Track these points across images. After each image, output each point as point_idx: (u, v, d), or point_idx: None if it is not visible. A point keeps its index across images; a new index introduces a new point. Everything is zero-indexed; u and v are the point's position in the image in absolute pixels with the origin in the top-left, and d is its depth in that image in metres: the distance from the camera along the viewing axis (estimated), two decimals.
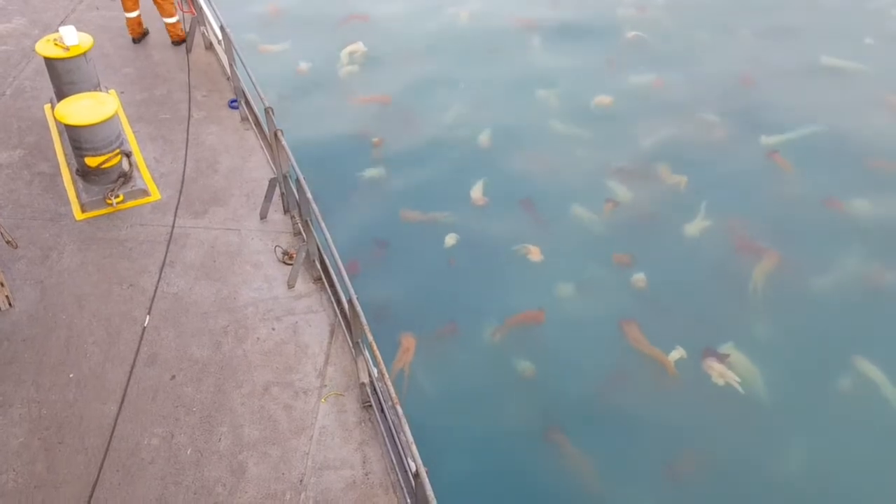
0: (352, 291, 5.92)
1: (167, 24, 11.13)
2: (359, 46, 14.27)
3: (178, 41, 11.26)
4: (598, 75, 13.63)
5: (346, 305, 6.58)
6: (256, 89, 8.24)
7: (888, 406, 8.35)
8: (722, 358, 8.70)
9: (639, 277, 9.64)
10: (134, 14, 11.23)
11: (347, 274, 6.02)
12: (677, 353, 8.69)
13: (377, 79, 13.54)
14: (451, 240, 10.07)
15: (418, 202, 10.72)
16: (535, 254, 9.93)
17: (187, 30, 11.18)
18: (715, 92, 13.13)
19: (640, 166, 11.45)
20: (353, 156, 11.53)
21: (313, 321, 7.30)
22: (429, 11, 15.79)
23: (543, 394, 8.37)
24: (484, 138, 11.94)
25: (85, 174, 8.56)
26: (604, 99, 12.91)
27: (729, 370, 8.58)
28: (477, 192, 10.85)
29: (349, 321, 6.45)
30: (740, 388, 8.43)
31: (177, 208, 8.51)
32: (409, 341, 8.75)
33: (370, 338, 5.64)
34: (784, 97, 12.96)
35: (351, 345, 6.83)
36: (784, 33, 14.87)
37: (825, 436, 8.12)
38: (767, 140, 11.92)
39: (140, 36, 11.46)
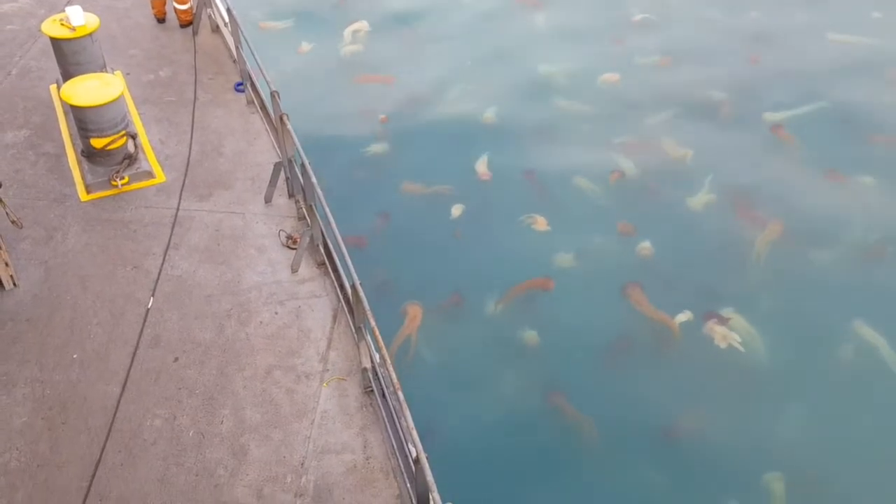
0: (355, 277, 5.92)
1: (178, 10, 11.09)
2: (362, 25, 14.26)
3: (186, 24, 11.22)
4: (605, 55, 13.67)
5: (349, 290, 6.60)
6: (262, 73, 8.22)
7: (888, 370, 8.54)
8: (724, 321, 8.91)
9: (644, 246, 9.85)
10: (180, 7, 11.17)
11: (353, 248, 6.03)
12: (684, 317, 8.93)
13: (380, 57, 13.55)
14: (456, 210, 10.28)
15: (423, 176, 10.90)
16: (540, 223, 10.12)
17: (194, 13, 11.13)
18: (721, 70, 13.20)
19: (646, 140, 11.62)
20: (357, 133, 11.70)
21: (316, 306, 7.31)
22: None
23: (547, 360, 8.58)
24: (488, 115, 12.06)
25: (90, 155, 8.56)
26: (610, 76, 13.00)
27: (731, 332, 8.79)
28: (482, 166, 11.01)
29: (352, 306, 6.45)
30: (742, 348, 8.63)
31: (181, 191, 8.51)
32: (415, 310, 8.93)
33: (373, 323, 5.66)
34: (790, 74, 13.07)
35: (353, 330, 6.84)
36: (792, 11, 14.85)
37: (825, 399, 8.30)
38: (772, 116, 12.05)
39: (164, 17, 11.40)
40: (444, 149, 11.52)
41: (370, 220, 10.19)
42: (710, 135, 11.75)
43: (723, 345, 8.70)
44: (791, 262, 9.82)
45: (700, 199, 10.58)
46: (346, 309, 7.11)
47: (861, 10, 14.76)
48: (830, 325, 9.03)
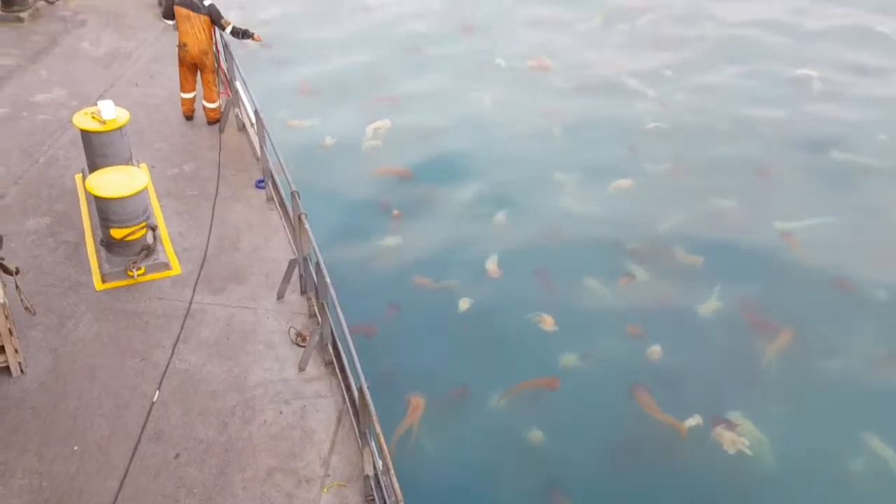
0: (363, 380, 5.89)
1: (206, 108, 11.48)
2: (384, 123, 14.71)
3: (214, 122, 11.58)
4: (618, 161, 14.01)
5: (355, 393, 6.54)
6: (284, 172, 8.43)
7: None
8: (732, 426, 8.86)
9: (654, 349, 9.85)
10: (190, 95, 11.53)
11: (362, 337, 6.03)
12: (693, 421, 8.89)
13: (400, 153, 13.98)
14: (465, 304, 10.42)
15: (435, 271, 11.10)
16: (548, 323, 10.18)
17: (221, 111, 11.50)
18: (732, 180, 13.47)
19: (656, 246, 11.79)
20: (372, 224, 12.03)
21: (321, 406, 7.24)
22: (454, 94, 16.30)
23: (551, 459, 8.53)
24: (501, 216, 12.32)
25: (109, 245, 8.69)
26: (623, 182, 13.27)
27: (740, 437, 8.72)
28: (492, 264, 11.18)
29: (358, 410, 6.38)
30: (750, 454, 8.58)
31: (196, 284, 8.59)
32: (417, 401, 8.96)
33: (378, 429, 5.58)
34: (798, 188, 13.34)
35: (357, 434, 6.74)
36: (801, 128, 15.24)
37: None
38: (782, 226, 12.26)
39: (193, 115, 11.74)
40: (456, 245, 11.76)
41: (381, 309, 10.35)
42: (720, 242, 11.95)
43: (731, 450, 8.63)
44: (801, 370, 9.84)
45: (710, 306, 10.65)
46: (351, 412, 7.03)
47: (869, 132, 15.09)
48: (840, 436, 8.97)
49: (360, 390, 5.91)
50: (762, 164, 13.98)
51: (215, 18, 10.86)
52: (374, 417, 5.69)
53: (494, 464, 8.47)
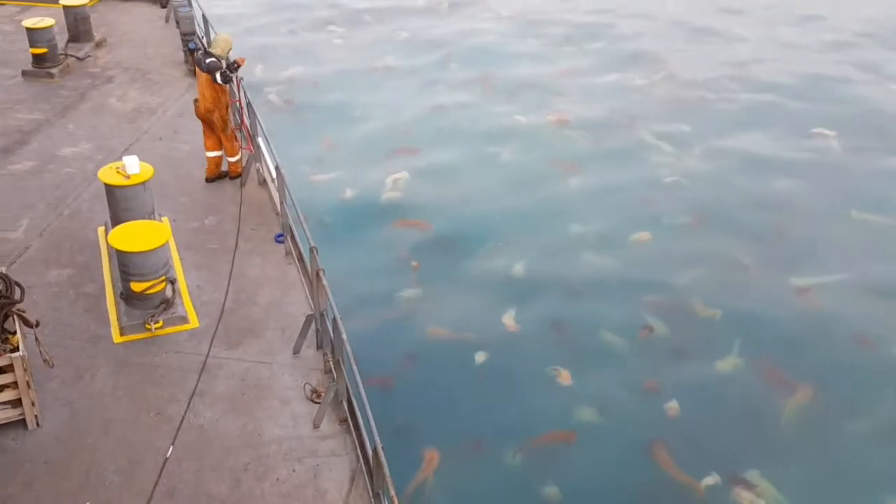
0: (377, 439, 5.84)
1: (229, 162, 11.66)
2: (403, 175, 14.96)
3: (236, 176, 11.74)
4: (636, 215, 14.12)
5: (369, 452, 6.47)
6: (304, 227, 8.51)
7: None
8: (751, 486, 8.79)
9: (671, 405, 9.84)
10: (210, 154, 11.64)
11: (378, 388, 6.00)
12: (710, 480, 8.83)
13: (418, 205, 14.20)
14: (481, 357, 10.52)
15: (451, 323, 11.20)
16: (565, 377, 10.25)
17: (243, 166, 11.67)
18: (749, 236, 13.53)
19: (674, 300, 11.86)
20: (391, 276, 12.20)
21: (335, 465, 7.16)
22: (473, 148, 16.54)
23: None
24: (519, 269, 12.42)
25: (128, 298, 8.76)
26: (642, 235, 13.37)
27: (758, 499, 8.67)
28: (509, 319, 11.28)
29: (372, 470, 6.32)
30: None
31: (213, 338, 8.61)
32: (431, 455, 9.00)
33: (392, 491, 5.51)
34: (815, 245, 13.38)
35: (371, 495, 6.66)
36: (818, 185, 15.30)
37: None
38: (798, 282, 12.30)
39: (215, 177, 11.74)
40: (474, 297, 11.84)
41: (397, 360, 10.47)
42: (737, 296, 11.98)
43: None
44: (820, 429, 9.80)
45: (729, 362, 10.64)
46: (365, 471, 6.95)
47: (886, 191, 15.11)
48: (860, 499, 8.87)
49: (375, 450, 5.86)
50: (780, 220, 14.04)
51: (214, 76, 10.84)
52: (389, 479, 5.63)
53: None
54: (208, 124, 11.43)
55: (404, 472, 8.57)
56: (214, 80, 10.88)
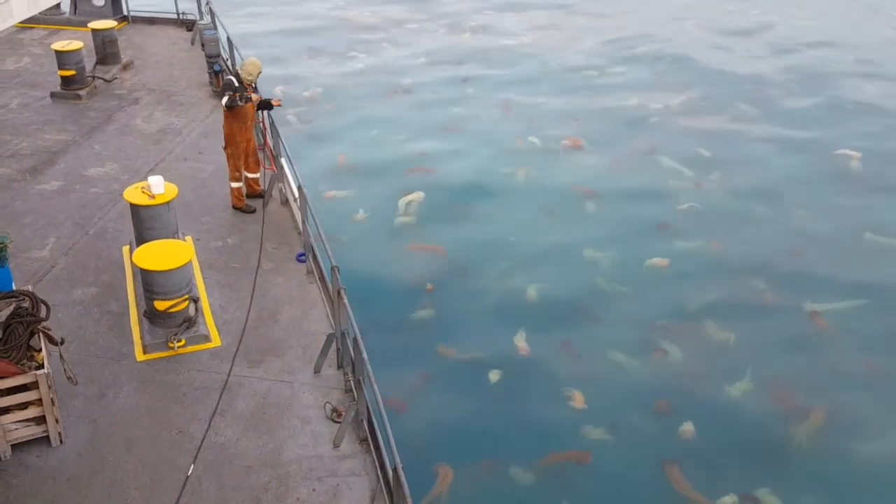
0: (398, 460, 5.83)
1: (248, 178, 11.75)
2: (417, 195, 15.10)
3: (254, 195, 11.80)
4: (651, 240, 14.18)
5: (389, 472, 6.45)
6: (326, 247, 8.55)
7: None
8: None
9: (685, 427, 9.99)
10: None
11: (396, 412, 6.02)
12: (730, 499, 9.03)
13: (432, 227, 14.37)
14: (495, 376, 10.76)
15: (465, 345, 11.39)
16: (578, 400, 10.43)
17: (266, 186, 11.76)
18: (764, 261, 13.60)
19: (687, 323, 12.02)
20: (406, 297, 12.37)
21: (355, 485, 7.15)
22: (488, 170, 16.71)
23: None
24: (532, 291, 12.55)
25: (152, 316, 8.84)
26: (660, 261, 13.45)
27: None
28: (521, 340, 11.48)
29: (392, 490, 6.29)
30: None
31: (234, 356, 8.64)
32: (445, 471, 9.24)
33: None
34: (830, 270, 13.42)
35: None
36: (834, 210, 15.33)
37: None
38: (811, 306, 12.39)
39: (241, 206, 11.58)
40: (487, 319, 12.02)
41: (411, 380, 10.68)
42: (751, 320, 12.10)
43: None
44: (833, 452, 9.89)
45: (741, 384, 10.74)
46: (385, 492, 6.93)
47: None
48: None
49: (395, 470, 5.84)
50: (795, 245, 14.08)
51: (224, 91, 10.90)
52: (409, 500, 5.61)
53: None
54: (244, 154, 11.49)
55: (420, 489, 8.68)
56: (222, 99, 10.91)
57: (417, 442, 9.39)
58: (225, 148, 11.41)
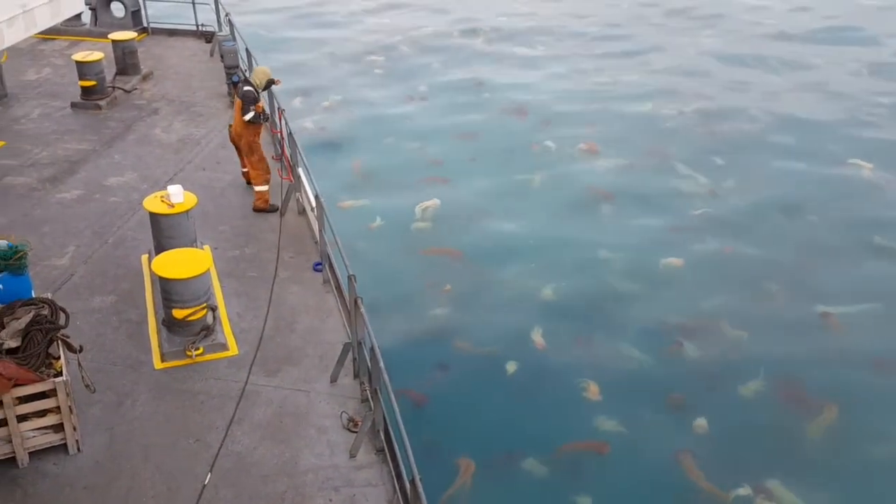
0: (415, 471, 5.79)
1: (255, 191, 11.86)
2: (434, 202, 15.26)
3: (258, 210, 11.78)
4: (665, 242, 14.36)
5: (406, 483, 6.42)
6: (342, 256, 8.55)
7: None
8: (776, 499, 9.21)
9: (699, 422, 10.21)
10: (244, 169, 12.18)
11: (416, 404, 6.04)
12: (737, 492, 9.25)
13: (449, 231, 14.58)
14: (511, 372, 11.05)
15: (483, 341, 11.68)
16: (593, 392, 10.66)
17: (283, 195, 11.78)
18: (776, 264, 13.80)
19: (702, 321, 12.25)
20: (423, 298, 12.63)
21: (371, 496, 7.11)
22: (504, 174, 16.87)
23: None
24: (547, 291, 12.78)
25: (170, 325, 8.86)
26: (674, 261, 13.67)
27: None
28: (537, 336, 11.74)
29: (409, 501, 6.25)
30: None
31: (251, 365, 8.65)
32: (467, 463, 9.50)
33: None
34: (841, 273, 13.62)
35: None
36: (846, 216, 15.46)
37: None
38: (823, 308, 12.58)
39: (267, 208, 11.83)
40: (503, 317, 12.27)
41: (429, 375, 10.98)
42: (763, 320, 12.33)
43: None
44: (843, 449, 10.08)
45: (754, 383, 10.93)
46: (401, 502, 6.89)
47: None
48: None
49: (413, 481, 5.80)
50: (809, 250, 14.25)
51: (245, 104, 11.32)
52: None
53: None
54: (237, 147, 12.00)
55: (438, 483, 9.01)
56: (244, 112, 11.33)
57: (436, 433, 9.72)
58: (250, 157, 11.79)
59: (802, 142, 18.65)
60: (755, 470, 9.62)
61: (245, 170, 12.34)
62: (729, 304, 12.67)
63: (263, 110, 11.53)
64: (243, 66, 15.91)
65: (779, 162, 17.66)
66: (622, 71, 23.68)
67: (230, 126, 11.99)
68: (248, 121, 11.36)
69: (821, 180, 16.85)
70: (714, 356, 11.54)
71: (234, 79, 15.24)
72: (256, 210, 11.84)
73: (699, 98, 21.27)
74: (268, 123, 12.58)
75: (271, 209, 11.80)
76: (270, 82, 11.84)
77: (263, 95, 12.14)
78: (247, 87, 11.46)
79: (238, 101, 11.52)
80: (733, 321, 12.20)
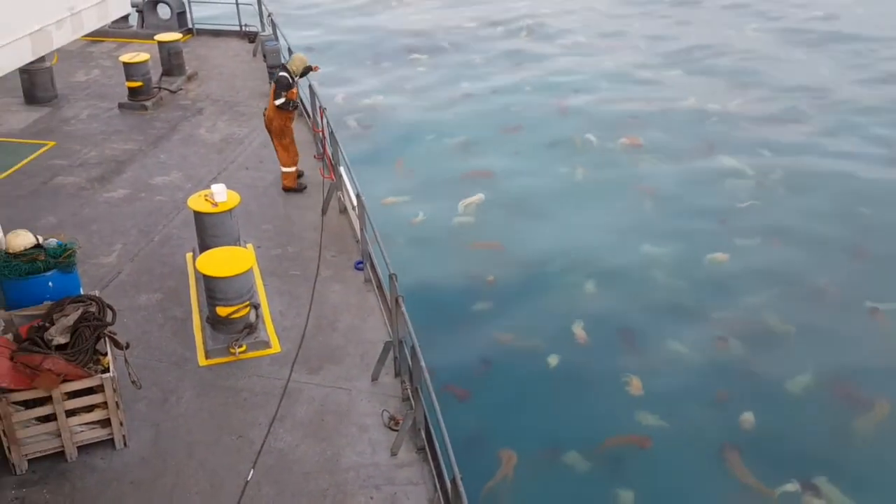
0: (456, 470, 5.75)
1: (282, 173, 12.29)
2: (477, 198, 15.26)
3: (287, 189, 12.33)
4: (711, 236, 14.18)
5: (447, 482, 6.39)
6: (383, 254, 8.55)
7: None
8: (823, 495, 9.11)
9: (746, 417, 10.10)
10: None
11: (458, 399, 6.02)
12: (784, 487, 9.15)
13: (493, 227, 14.57)
14: (553, 360, 11.10)
15: (525, 334, 11.69)
16: (636, 387, 10.58)
17: (324, 194, 11.84)
18: (825, 259, 13.59)
19: (749, 316, 12.08)
20: (466, 291, 12.69)
21: (412, 494, 7.10)
22: (546, 169, 16.83)
23: None
24: (590, 286, 12.78)
25: (214, 322, 8.96)
26: (720, 256, 13.50)
27: None
28: (579, 329, 11.73)
29: (450, 500, 6.22)
30: None
31: (294, 363, 8.70)
32: (509, 455, 9.53)
33: None
34: (890, 270, 13.32)
35: None
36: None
37: None
38: (872, 304, 12.31)
39: (295, 187, 12.42)
40: (545, 311, 12.25)
41: (471, 368, 11.01)
42: (812, 315, 12.16)
43: None
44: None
45: (803, 378, 10.77)
46: (442, 502, 6.86)
47: None
48: None
49: (454, 481, 5.77)
50: (860, 245, 13.95)
51: (278, 89, 11.67)
52: None
53: None
54: (269, 130, 12.24)
55: (480, 475, 9.12)
56: (276, 96, 11.70)
57: (479, 427, 9.80)
58: (282, 139, 12.11)
59: (853, 134, 18.29)
60: (803, 467, 9.50)
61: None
62: (776, 298, 12.49)
63: (295, 98, 11.83)
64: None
65: (826, 154, 17.35)
66: (666, 65, 23.40)
67: (265, 110, 12.35)
68: (278, 106, 11.69)
69: (872, 174, 16.48)
70: (761, 352, 11.38)
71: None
72: (286, 189, 12.34)
73: (743, 92, 20.93)
74: (309, 122, 12.71)
75: (300, 188, 12.36)
76: (308, 69, 12.12)
77: (304, 92, 12.35)
78: (282, 73, 11.81)
79: (273, 85, 11.87)
80: (780, 316, 12.05)
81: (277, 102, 11.68)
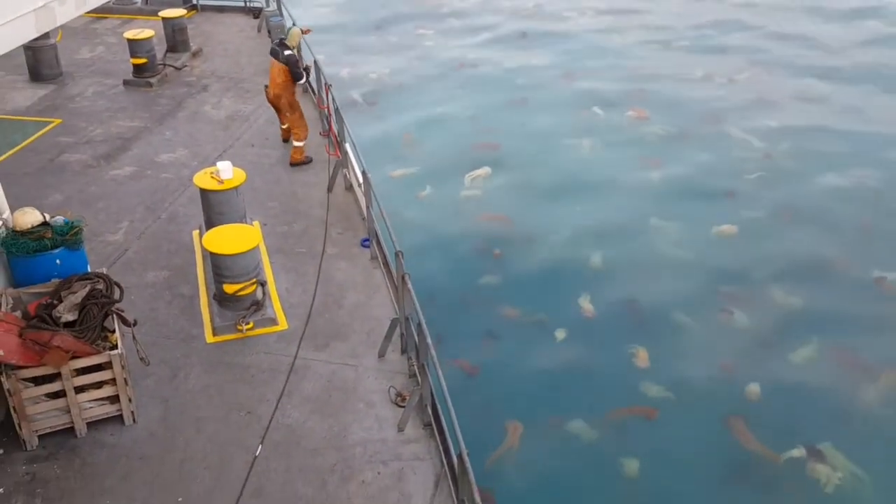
0: (462, 446, 5.79)
1: (294, 147, 12.44)
2: (484, 171, 15.27)
3: (295, 163, 12.46)
4: (718, 209, 14.15)
5: (454, 457, 6.43)
6: (389, 232, 8.55)
7: None
8: (829, 460, 9.20)
9: (752, 388, 10.18)
10: (284, 125, 12.82)
11: (465, 375, 6.07)
12: (797, 452, 9.29)
13: (499, 199, 14.58)
14: (560, 334, 11.14)
15: (531, 306, 11.73)
16: (642, 359, 10.64)
17: (330, 172, 11.83)
18: (832, 230, 13.61)
19: (755, 288, 12.12)
20: (473, 263, 12.80)
21: (419, 469, 7.15)
22: (553, 141, 16.84)
23: (646, 486, 8.94)
24: (596, 258, 12.76)
25: (221, 299, 8.99)
26: (727, 228, 13.50)
27: (835, 472, 9.04)
28: (586, 302, 11.78)
29: (456, 476, 6.27)
30: (848, 488, 8.86)
31: (301, 340, 8.74)
32: (515, 426, 9.62)
33: (477, 498, 5.44)
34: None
35: (455, 501, 6.60)
36: None
37: None
38: (879, 275, 12.33)
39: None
40: (552, 284, 12.34)
41: (478, 342, 11.10)
42: (818, 287, 12.16)
43: (828, 486, 8.91)
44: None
45: (808, 348, 10.83)
46: (449, 477, 6.91)
47: None
48: None
49: (461, 456, 5.80)
50: (864, 214, 14.01)
51: (292, 68, 11.95)
52: (474, 486, 5.57)
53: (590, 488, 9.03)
54: (277, 107, 12.47)
55: (486, 446, 9.26)
56: (295, 78, 11.99)
57: (486, 400, 9.88)
58: (289, 114, 12.35)
59: (862, 105, 18.23)
60: (808, 434, 9.60)
61: (284, 126, 12.84)
62: (782, 270, 12.51)
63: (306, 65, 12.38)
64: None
65: (833, 126, 17.27)
66: (674, 38, 23.24)
67: (266, 87, 12.45)
68: (296, 80, 12.05)
69: (880, 144, 16.45)
70: (767, 323, 11.43)
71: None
72: (294, 164, 12.45)
73: (751, 65, 20.85)
74: (315, 99, 12.73)
75: (307, 161, 12.51)
76: (307, 69, 12.57)
77: (312, 70, 12.45)
78: (288, 52, 11.92)
79: (278, 64, 11.98)
80: (787, 287, 12.07)
81: (302, 81, 12.15)
